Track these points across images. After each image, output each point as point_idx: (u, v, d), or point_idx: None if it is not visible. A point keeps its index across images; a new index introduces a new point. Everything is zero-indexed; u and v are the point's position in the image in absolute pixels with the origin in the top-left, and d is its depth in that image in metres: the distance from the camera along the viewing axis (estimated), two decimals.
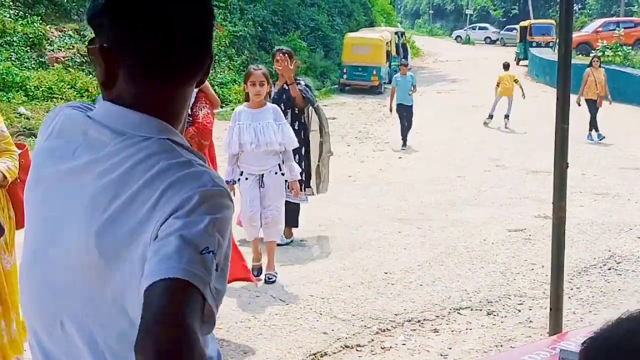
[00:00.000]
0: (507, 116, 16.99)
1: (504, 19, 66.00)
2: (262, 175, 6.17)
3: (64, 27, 16.90)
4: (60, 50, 16.29)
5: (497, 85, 17.42)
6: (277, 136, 6.01)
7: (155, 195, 1.24)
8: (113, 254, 1.26)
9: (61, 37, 16.60)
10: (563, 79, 3.38)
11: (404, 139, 14.54)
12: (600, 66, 15.95)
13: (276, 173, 6.21)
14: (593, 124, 15.23)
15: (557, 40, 3.45)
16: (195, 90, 1.58)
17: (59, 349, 1.36)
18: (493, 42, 53.82)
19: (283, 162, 6.26)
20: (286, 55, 6.97)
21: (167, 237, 1.18)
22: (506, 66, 18.01)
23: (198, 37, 1.38)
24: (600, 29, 32.23)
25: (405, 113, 14.68)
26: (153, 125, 1.35)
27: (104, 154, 1.32)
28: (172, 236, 1.18)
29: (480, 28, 57.25)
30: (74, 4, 17.39)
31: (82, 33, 16.85)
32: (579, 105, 15.06)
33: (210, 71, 1.48)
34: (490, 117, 17.19)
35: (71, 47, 16.48)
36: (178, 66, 1.36)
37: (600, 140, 14.94)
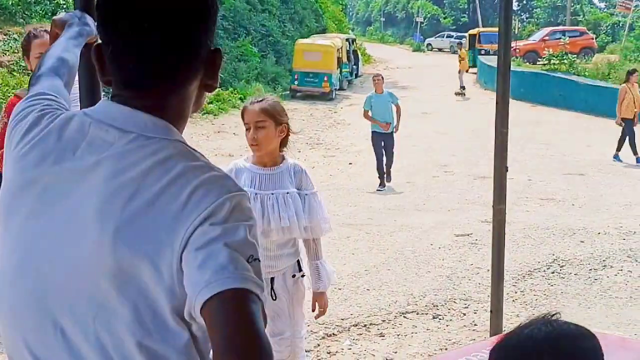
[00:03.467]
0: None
1: (454, 27, 66.85)
2: (273, 279, 3.62)
3: (8, 31, 16.57)
4: (5, 54, 15.96)
5: (461, 61, 25.11)
6: (300, 217, 3.54)
7: (181, 199, 1.22)
8: (132, 256, 1.21)
9: (6, 41, 16.27)
10: (502, 84, 3.44)
11: (382, 176, 11.24)
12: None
13: (294, 276, 3.69)
14: (632, 145, 13.55)
15: (498, 46, 3.50)
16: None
17: (56, 356, 1.28)
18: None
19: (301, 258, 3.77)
20: None
21: (210, 245, 1.18)
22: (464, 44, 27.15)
23: (194, 32, 1.33)
24: (547, 38, 32.91)
25: (383, 143, 11.30)
26: (162, 128, 1.32)
27: (114, 152, 1.28)
28: (217, 244, 1.18)
29: (447, 36, 57.53)
30: (19, 7, 17.05)
31: None
32: (620, 125, 13.60)
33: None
34: (463, 88, 24.51)
35: (16, 50, 16.13)
36: (171, 65, 1.32)
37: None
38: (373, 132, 11.45)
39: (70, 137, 1.33)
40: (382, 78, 11.89)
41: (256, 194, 3.47)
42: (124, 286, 1.22)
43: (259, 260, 1.21)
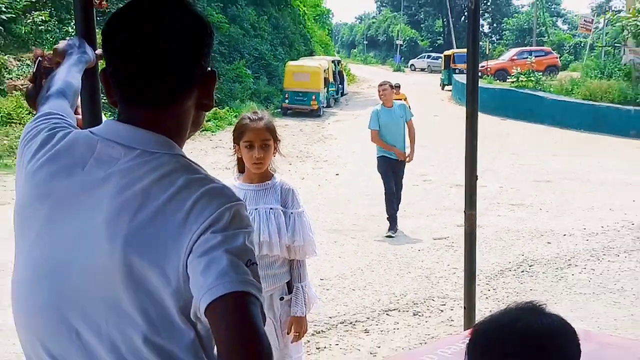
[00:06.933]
0: None
1: (430, 49, 67.01)
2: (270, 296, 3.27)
3: (22, 57, 16.54)
4: (19, 78, 15.92)
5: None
6: (282, 234, 3.20)
7: (185, 210, 1.23)
8: (141, 264, 1.22)
9: (19, 67, 16.25)
10: (471, 99, 3.44)
11: (394, 217, 8.36)
12: None
13: (282, 298, 3.32)
14: None
15: (467, 66, 3.51)
16: None
17: (72, 357, 1.28)
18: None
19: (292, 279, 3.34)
20: None
21: (212, 252, 1.19)
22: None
23: (184, 56, 1.32)
24: (515, 57, 32.98)
25: (393, 172, 8.36)
26: (164, 143, 1.32)
27: (121, 168, 1.28)
28: (217, 251, 1.19)
29: (428, 56, 57.32)
30: (30, 35, 17.06)
31: None
32: None
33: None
34: None
35: (29, 75, 16.13)
36: (168, 84, 1.31)
37: None
38: (380, 158, 8.39)
39: (79, 153, 1.33)
40: (392, 87, 8.44)
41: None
42: (134, 291, 1.23)
43: (256, 264, 1.23)
